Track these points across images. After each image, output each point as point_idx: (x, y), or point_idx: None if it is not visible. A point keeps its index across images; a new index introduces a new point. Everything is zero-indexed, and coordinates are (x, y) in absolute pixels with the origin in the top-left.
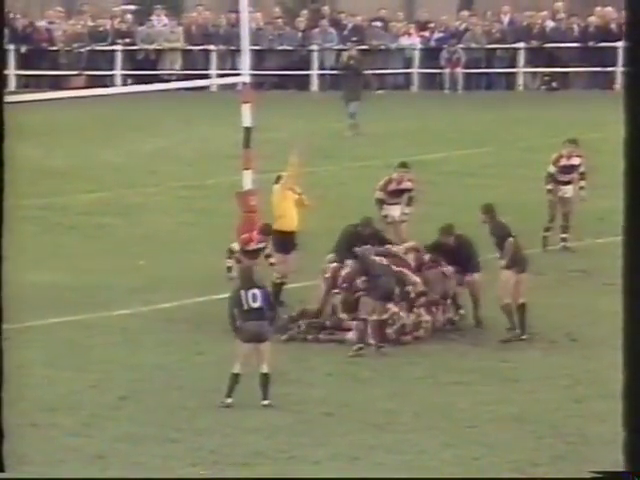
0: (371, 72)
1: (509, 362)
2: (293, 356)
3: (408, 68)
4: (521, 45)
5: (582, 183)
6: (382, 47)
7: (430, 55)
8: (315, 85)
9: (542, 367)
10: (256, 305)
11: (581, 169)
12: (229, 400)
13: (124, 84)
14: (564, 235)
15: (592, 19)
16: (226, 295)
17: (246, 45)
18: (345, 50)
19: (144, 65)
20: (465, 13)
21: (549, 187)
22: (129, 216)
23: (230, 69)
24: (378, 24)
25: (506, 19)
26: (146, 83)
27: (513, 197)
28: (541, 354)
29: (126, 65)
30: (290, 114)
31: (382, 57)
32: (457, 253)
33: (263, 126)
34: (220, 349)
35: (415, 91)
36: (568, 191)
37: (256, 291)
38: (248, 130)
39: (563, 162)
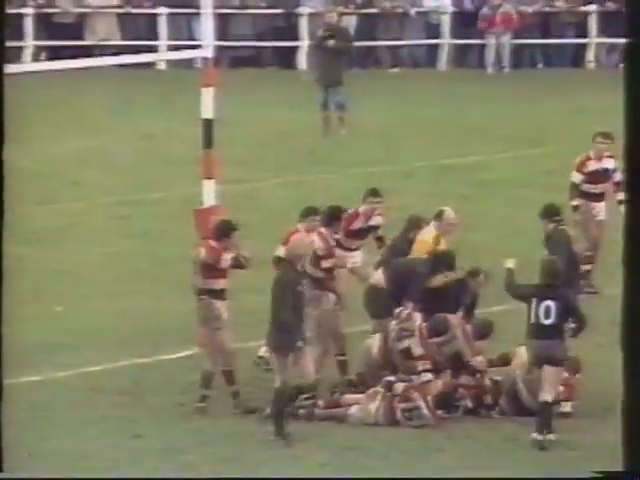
0: (383, 44)
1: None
2: (275, 440)
3: (434, 38)
4: (593, 8)
5: (620, 195)
6: (399, 10)
7: (465, 21)
8: (303, 62)
9: (607, 449)
10: (548, 322)
11: (617, 176)
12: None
13: (36, 59)
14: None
15: None
16: (175, 355)
17: (208, 5)
18: (346, 14)
19: (65, 33)
20: None
21: (575, 203)
22: (42, 244)
23: (186, 39)
24: None
25: None
26: (68, 58)
27: None
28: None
29: (40, 34)
30: (268, 101)
31: (398, 24)
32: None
33: (231, 118)
34: (165, 431)
35: (444, 69)
36: (601, 211)
37: (551, 304)
38: (210, 123)
39: (591, 166)
